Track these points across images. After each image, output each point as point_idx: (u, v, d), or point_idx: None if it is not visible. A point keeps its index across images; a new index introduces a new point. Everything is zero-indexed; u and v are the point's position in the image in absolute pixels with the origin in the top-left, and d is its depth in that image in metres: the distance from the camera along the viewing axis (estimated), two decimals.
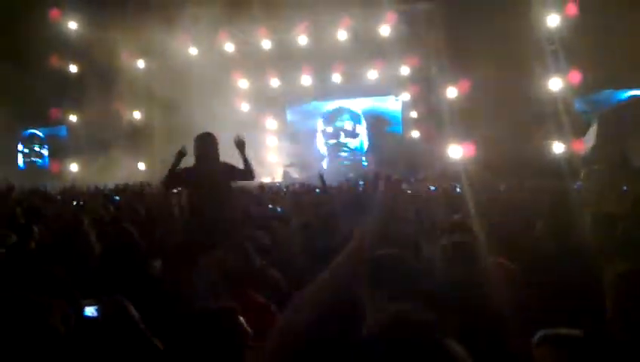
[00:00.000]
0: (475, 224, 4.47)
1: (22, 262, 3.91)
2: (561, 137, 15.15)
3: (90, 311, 2.35)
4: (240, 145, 6.05)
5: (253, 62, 19.99)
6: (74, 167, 17.76)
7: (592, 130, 11.45)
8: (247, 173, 6.01)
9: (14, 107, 16.67)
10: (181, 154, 6.01)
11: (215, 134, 6.00)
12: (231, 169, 5.97)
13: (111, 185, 12.42)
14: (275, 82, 20.53)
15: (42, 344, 1.90)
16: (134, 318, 2.36)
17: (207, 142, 5.86)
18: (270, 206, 8.24)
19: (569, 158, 13.74)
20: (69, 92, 17.70)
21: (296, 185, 14.48)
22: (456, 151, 16.26)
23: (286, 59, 19.79)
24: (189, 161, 6.04)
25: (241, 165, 6.02)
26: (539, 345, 2.20)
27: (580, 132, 14.73)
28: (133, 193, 9.81)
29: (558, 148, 15.32)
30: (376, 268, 2.53)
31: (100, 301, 2.38)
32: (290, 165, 19.97)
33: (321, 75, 20.17)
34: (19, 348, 1.87)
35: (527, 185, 9.08)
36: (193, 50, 19.62)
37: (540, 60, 15.60)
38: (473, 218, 4.81)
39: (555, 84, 15.79)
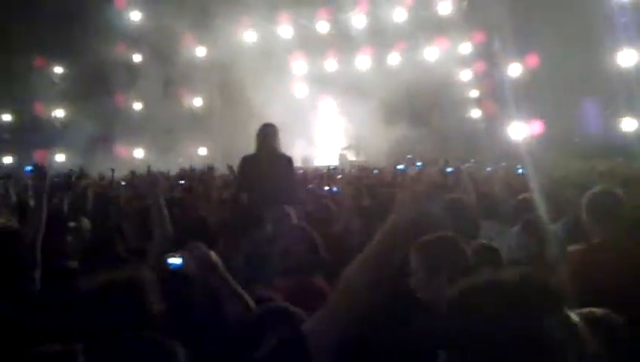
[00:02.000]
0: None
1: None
2: (633, 113, 14.37)
3: (173, 261, 2.39)
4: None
5: (311, 45, 20.01)
6: (139, 153, 18.39)
7: None
8: (295, 197, 5.95)
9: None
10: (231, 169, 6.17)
11: (274, 118, 6.10)
12: (291, 166, 6.06)
13: (174, 170, 12.78)
14: (332, 64, 20.47)
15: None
16: (217, 264, 2.41)
17: (268, 134, 5.98)
18: (327, 187, 8.22)
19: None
20: (134, 80, 18.25)
21: (354, 169, 14.39)
22: (520, 130, 15.71)
23: (344, 41, 19.70)
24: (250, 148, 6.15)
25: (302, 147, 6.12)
26: None
27: None
28: (201, 175, 10.01)
29: (629, 125, 14.54)
30: (431, 255, 2.57)
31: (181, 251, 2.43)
32: (348, 147, 19.90)
33: (379, 55, 19.95)
34: None
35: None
36: (252, 35, 19.82)
37: (611, 33, 14.78)
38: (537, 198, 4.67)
39: (627, 57, 14.93)
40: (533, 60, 16.62)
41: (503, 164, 11.48)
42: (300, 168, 12.34)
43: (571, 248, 3.42)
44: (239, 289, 2.39)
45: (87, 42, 16.50)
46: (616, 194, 3.44)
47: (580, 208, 3.57)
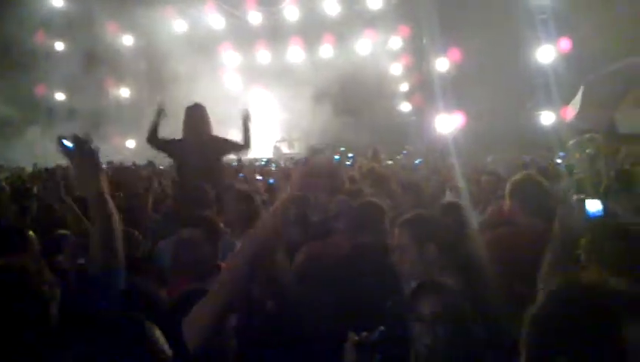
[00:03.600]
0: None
1: None
2: (551, 107, 15.16)
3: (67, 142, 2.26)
4: (246, 117, 6.06)
5: (242, 36, 19.79)
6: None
7: (578, 96, 11.40)
8: (245, 144, 6.00)
9: None
10: (161, 112, 6.00)
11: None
12: (222, 142, 5.97)
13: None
14: (264, 55, 20.35)
15: None
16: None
17: (195, 114, 5.84)
18: (260, 177, 8.21)
19: (558, 128, 13.78)
20: (55, 69, 17.43)
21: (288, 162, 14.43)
22: (446, 123, 16.23)
23: (276, 33, 19.61)
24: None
25: (236, 138, 6.04)
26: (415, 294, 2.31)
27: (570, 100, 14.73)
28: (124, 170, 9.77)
29: (547, 118, 15.33)
30: (420, 228, 2.79)
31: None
32: (282, 140, 19.91)
33: (312, 47, 20.01)
34: None
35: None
36: (181, 25, 19.37)
37: (531, 30, 15.51)
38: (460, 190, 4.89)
39: (545, 53, 15.73)
40: (456, 54, 17.17)
41: (437, 155, 11.83)
42: (234, 161, 12.28)
43: (496, 231, 3.60)
44: None
45: (3, 29, 15.58)
46: (539, 181, 3.66)
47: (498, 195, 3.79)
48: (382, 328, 1.95)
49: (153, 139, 5.98)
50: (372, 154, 9.39)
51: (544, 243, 2.54)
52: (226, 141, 6.02)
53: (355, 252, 3.26)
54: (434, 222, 2.84)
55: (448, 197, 5.15)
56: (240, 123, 6.15)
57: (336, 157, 7.31)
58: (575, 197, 2.46)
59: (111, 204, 2.22)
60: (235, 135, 6.26)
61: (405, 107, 20.26)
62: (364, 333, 1.95)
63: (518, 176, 3.71)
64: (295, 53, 20.10)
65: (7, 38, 15.82)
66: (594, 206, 2.36)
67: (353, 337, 1.96)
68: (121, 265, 2.20)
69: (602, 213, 2.34)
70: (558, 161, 8.13)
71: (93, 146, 2.31)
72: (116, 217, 2.22)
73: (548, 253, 2.44)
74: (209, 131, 5.93)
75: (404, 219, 2.83)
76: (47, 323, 1.89)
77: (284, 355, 2.44)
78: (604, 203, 2.36)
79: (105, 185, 2.26)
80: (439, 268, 2.63)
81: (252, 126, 6.14)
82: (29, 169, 12.21)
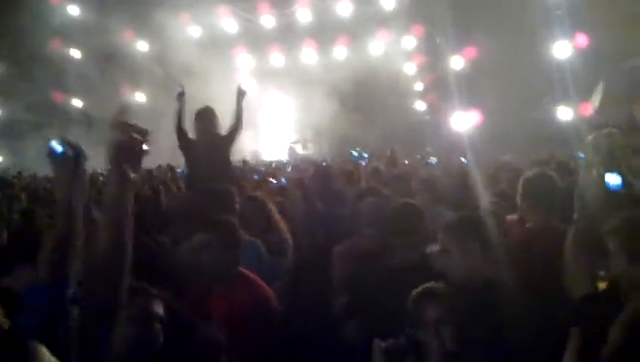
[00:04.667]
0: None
1: None
2: (568, 102, 14.97)
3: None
4: (241, 93, 6.10)
5: (256, 40, 19.89)
6: None
7: (598, 91, 11.25)
8: (236, 123, 6.03)
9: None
10: (182, 96, 6.08)
11: (221, 113, 6.04)
12: (226, 138, 6.01)
13: None
14: (278, 58, 20.41)
15: None
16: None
17: (206, 117, 5.89)
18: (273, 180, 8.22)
19: (576, 124, 13.61)
20: (73, 76, 17.64)
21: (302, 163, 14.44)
22: (462, 121, 16.11)
23: (289, 35, 19.67)
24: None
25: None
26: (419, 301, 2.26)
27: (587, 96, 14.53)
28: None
29: (564, 113, 15.15)
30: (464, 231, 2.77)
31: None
32: (296, 141, 19.96)
33: (325, 49, 20.03)
34: None
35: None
36: (196, 30, 19.50)
37: (546, 26, 15.35)
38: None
39: (561, 49, 15.55)
40: (471, 52, 17.06)
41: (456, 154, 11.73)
42: (248, 162, 12.32)
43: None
44: None
45: (21, 38, 15.83)
46: (550, 177, 3.60)
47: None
48: (408, 332, 1.95)
49: (180, 125, 6.06)
50: (390, 154, 9.37)
51: (558, 243, 2.51)
52: (226, 136, 6.05)
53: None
54: (479, 225, 2.81)
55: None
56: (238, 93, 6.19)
57: (355, 153, 7.27)
58: (595, 171, 2.43)
59: (80, 219, 2.11)
60: (249, 136, 6.33)
61: (420, 106, 20.19)
62: (392, 340, 1.94)
63: (528, 174, 3.66)
64: (308, 55, 20.14)
65: (25, 46, 16.07)
66: (614, 179, 2.34)
67: (379, 343, 1.95)
68: (68, 279, 2.06)
69: (622, 186, 2.32)
70: (580, 154, 7.98)
71: (81, 154, 2.20)
72: (81, 234, 2.10)
73: (570, 238, 2.41)
74: (219, 133, 5.97)
75: (447, 221, 2.82)
76: None
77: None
78: (623, 176, 2.33)
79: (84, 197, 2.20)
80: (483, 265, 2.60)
81: (243, 101, 6.19)
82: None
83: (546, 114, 15.17)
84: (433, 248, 2.80)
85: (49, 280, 2.04)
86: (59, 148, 2.09)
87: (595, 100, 11.16)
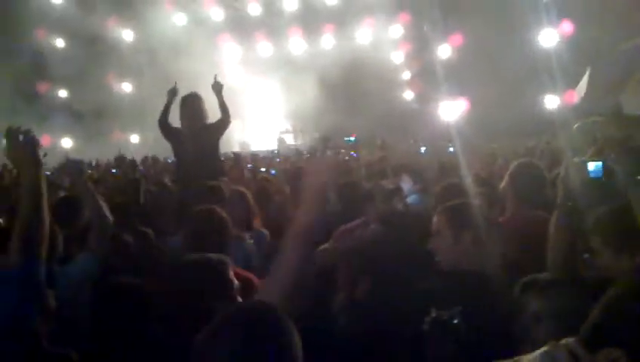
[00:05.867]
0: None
1: None
2: (555, 90, 15.06)
3: None
4: (218, 87, 6.02)
5: (242, 28, 19.75)
6: (67, 142, 17.63)
7: (584, 79, 11.31)
8: (224, 117, 5.97)
9: None
10: (173, 93, 6.01)
11: (208, 102, 5.97)
12: (214, 125, 5.94)
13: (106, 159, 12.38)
14: (265, 47, 20.29)
15: None
16: None
17: (192, 103, 5.82)
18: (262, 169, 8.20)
19: (562, 112, 13.71)
20: (57, 66, 17.40)
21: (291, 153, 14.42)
22: (449, 110, 16.17)
23: (276, 24, 19.57)
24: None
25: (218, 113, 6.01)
26: (522, 292, 2.26)
27: (573, 83, 14.62)
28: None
29: (551, 102, 15.24)
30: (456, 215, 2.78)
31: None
32: (286, 131, 19.90)
33: (313, 37, 19.96)
34: None
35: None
36: (181, 18, 19.31)
37: (533, 13, 15.39)
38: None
39: (548, 37, 15.62)
40: (457, 40, 17.07)
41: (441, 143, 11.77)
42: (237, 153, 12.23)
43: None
44: None
45: (6, 28, 15.58)
46: (535, 167, 3.62)
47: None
48: (459, 308, 1.98)
49: (165, 120, 5.96)
50: (380, 143, 9.40)
51: (541, 234, 2.53)
52: (214, 124, 5.97)
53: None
54: (473, 212, 2.83)
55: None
56: (214, 88, 6.12)
57: (352, 138, 7.16)
58: (576, 159, 2.46)
59: (44, 197, 2.18)
60: (237, 125, 6.26)
61: (408, 95, 20.20)
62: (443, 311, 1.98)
63: (514, 164, 3.68)
64: (296, 44, 20.05)
65: (8, 36, 15.82)
66: (595, 167, 2.39)
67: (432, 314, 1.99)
68: (39, 257, 2.10)
69: (602, 174, 2.36)
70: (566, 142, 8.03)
71: (31, 137, 2.41)
72: (46, 211, 2.16)
73: (553, 220, 2.43)
74: (205, 120, 5.89)
75: (444, 206, 2.84)
76: None
77: None
78: (605, 165, 2.37)
79: (41, 177, 2.27)
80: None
81: (223, 93, 6.04)
82: None
83: (532, 102, 15.26)
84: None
85: (19, 264, 2.05)
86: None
87: (582, 88, 11.24)
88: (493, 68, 14.30)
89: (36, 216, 2.10)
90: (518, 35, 15.12)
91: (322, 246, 3.59)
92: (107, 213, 3.18)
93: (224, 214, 3.24)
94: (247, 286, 2.88)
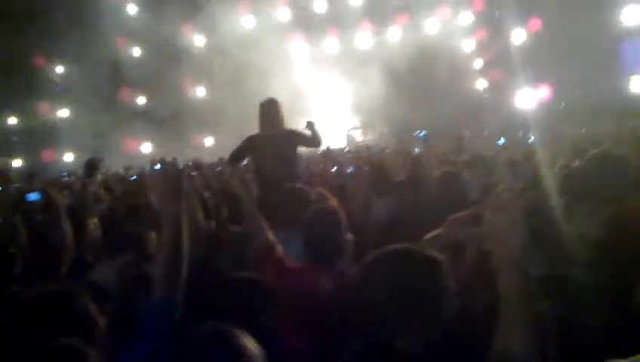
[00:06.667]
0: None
1: None
2: None
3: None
4: (311, 126, 6.19)
5: (310, 26, 19.88)
6: (147, 147, 18.38)
7: None
8: (315, 141, 6.09)
9: None
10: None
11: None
12: (299, 135, 6.01)
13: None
14: (333, 43, 20.28)
15: None
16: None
17: (269, 108, 5.92)
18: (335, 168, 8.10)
19: None
20: (136, 74, 18.16)
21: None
22: (528, 98, 15.51)
23: (343, 19, 19.55)
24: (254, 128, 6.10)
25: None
26: None
27: None
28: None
29: (638, 83, 14.32)
30: None
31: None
32: (354, 128, 19.80)
33: (380, 31, 19.77)
34: None
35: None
36: (250, 20, 19.65)
37: None
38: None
39: (631, 14, 14.66)
40: (535, 25, 16.36)
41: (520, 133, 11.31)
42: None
43: None
44: None
45: (86, 39, 16.44)
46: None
47: None
48: None
49: (234, 160, 6.16)
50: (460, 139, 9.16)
51: None
52: (298, 134, 6.05)
53: None
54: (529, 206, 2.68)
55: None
56: (308, 127, 6.22)
57: (424, 133, 7.01)
58: None
59: (184, 233, 2.10)
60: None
61: (481, 84, 19.59)
62: None
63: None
64: (364, 38, 19.93)
65: (89, 47, 16.70)
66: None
67: None
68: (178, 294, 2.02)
69: None
70: None
71: (178, 169, 2.27)
72: (186, 245, 2.10)
73: None
74: (283, 124, 5.97)
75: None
76: None
77: None
78: None
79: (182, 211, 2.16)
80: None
81: (318, 128, 6.20)
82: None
83: (619, 84, 14.38)
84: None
85: (164, 296, 1.99)
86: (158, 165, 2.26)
87: None
88: (574, 51, 13.60)
89: (177, 253, 2.05)
90: (599, 14, 14.29)
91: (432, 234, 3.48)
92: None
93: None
94: None
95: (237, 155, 6.15)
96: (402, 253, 1.82)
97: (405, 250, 1.84)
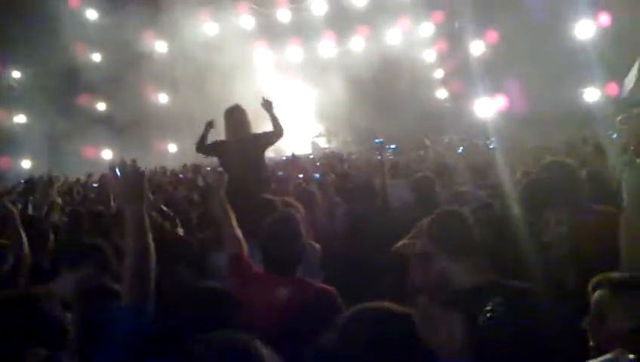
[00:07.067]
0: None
1: None
2: (595, 83, 14.67)
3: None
4: (268, 105, 6.09)
5: (273, 34, 19.89)
6: (107, 154, 18.02)
7: (634, 70, 10.94)
8: (277, 131, 6.04)
9: None
10: (210, 125, 6.11)
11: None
12: (263, 136, 6.02)
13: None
14: (296, 52, 20.36)
15: None
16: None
17: (235, 115, 5.90)
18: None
19: (604, 105, 13.34)
20: (95, 79, 17.82)
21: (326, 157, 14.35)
22: (485, 107, 15.91)
23: (306, 28, 19.63)
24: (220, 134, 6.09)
25: (270, 128, 6.07)
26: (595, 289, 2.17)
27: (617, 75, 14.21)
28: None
29: (591, 95, 14.84)
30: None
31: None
32: (319, 135, 19.91)
33: (342, 40, 19.94)
34: None
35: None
36: (212, 27, 19.55)
37: (568, 4, 15.04)
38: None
39: (584, 28, 15.20)
40: (492, 36, 16.80)
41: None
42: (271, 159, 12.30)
43: None
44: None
45: (44, 44, 16.07)
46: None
47: None
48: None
49: (201, 147, 6.13)
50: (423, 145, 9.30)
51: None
52: (262, 135, 6.07)
53: None
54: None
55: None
56: (264, 106, 6.18)
57: (393, 146, 7.10)
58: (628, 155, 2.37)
59: (149, 233, 2.10)
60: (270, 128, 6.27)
61: (441, 94, 19.97)
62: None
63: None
64: (327, 47, 20.07)
65: (47, 52, 16.33)
66: None
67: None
68: (149, 300, 2.02)
69: None
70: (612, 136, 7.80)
71: (139, 171, 2.24)
72: (151, 246, 2.09)
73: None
74: (249, 130, 5.97)
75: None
76: None
77: None
78: None
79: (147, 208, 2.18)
80: None
81: (276, 110, 6.11)
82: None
83: (572, 96, 14.89)
84: None
85: (131, 301, 1.99)
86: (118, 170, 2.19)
87: (631, 80, 10.88)
88: (531, 63, 14.03)
89: (144, 253, 2.04)
90: (554, 28, 14.79)
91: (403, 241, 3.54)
92: None
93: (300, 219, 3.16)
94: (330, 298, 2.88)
95: (205, 148, 6.13)
96: (376, 312, 1.83)
97: (378, 308, 1.85)
